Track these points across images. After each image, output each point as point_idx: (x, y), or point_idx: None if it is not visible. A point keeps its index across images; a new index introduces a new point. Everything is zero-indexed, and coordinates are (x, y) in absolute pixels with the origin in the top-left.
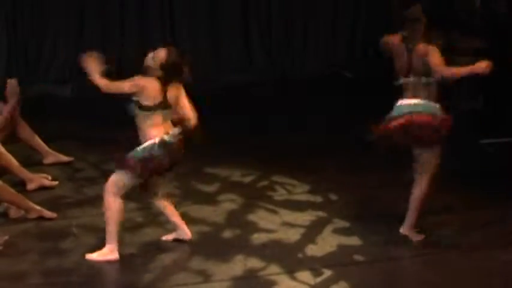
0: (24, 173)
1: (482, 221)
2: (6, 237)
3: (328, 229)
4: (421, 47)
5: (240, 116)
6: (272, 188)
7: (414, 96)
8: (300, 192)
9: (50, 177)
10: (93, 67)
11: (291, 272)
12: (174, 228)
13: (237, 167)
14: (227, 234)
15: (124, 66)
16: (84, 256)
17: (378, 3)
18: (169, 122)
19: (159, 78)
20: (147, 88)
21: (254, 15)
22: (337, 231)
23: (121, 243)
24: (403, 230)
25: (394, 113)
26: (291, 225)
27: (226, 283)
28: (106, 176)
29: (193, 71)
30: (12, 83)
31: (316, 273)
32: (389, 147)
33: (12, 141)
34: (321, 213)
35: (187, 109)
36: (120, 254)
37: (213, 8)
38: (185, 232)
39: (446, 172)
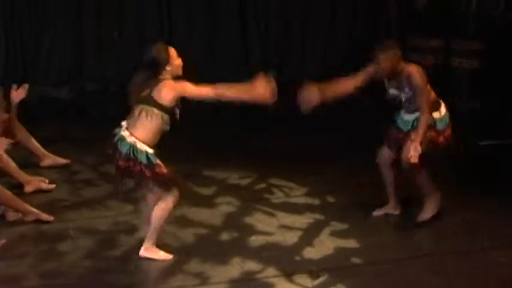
0: (21, 175)
1: (479, 222)
2: (4, 240)
3: (326, 232)
4: None
5: (238, 118)
6: (270, 190)
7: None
8: (298, 194)
9: (47, 180)
10: None
11: (288, 274)
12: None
13: (235, 169)
14: (224, 236)
15: (123, 66)
16: (81, 258)
17: (376, 3)
18: None
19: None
20: None
21: (252, 15)
22: (335, 233)
23: (118, 246)
24: None
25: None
26: (289, 227)
27: (224, 285)
28: (103, 178)
29: (190, 70)
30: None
31: (314, 275)
32: None
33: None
34: (318, 216)
35: None
36: (117, 256)
37: (210, 7)
38: None
39: (444, 173)
